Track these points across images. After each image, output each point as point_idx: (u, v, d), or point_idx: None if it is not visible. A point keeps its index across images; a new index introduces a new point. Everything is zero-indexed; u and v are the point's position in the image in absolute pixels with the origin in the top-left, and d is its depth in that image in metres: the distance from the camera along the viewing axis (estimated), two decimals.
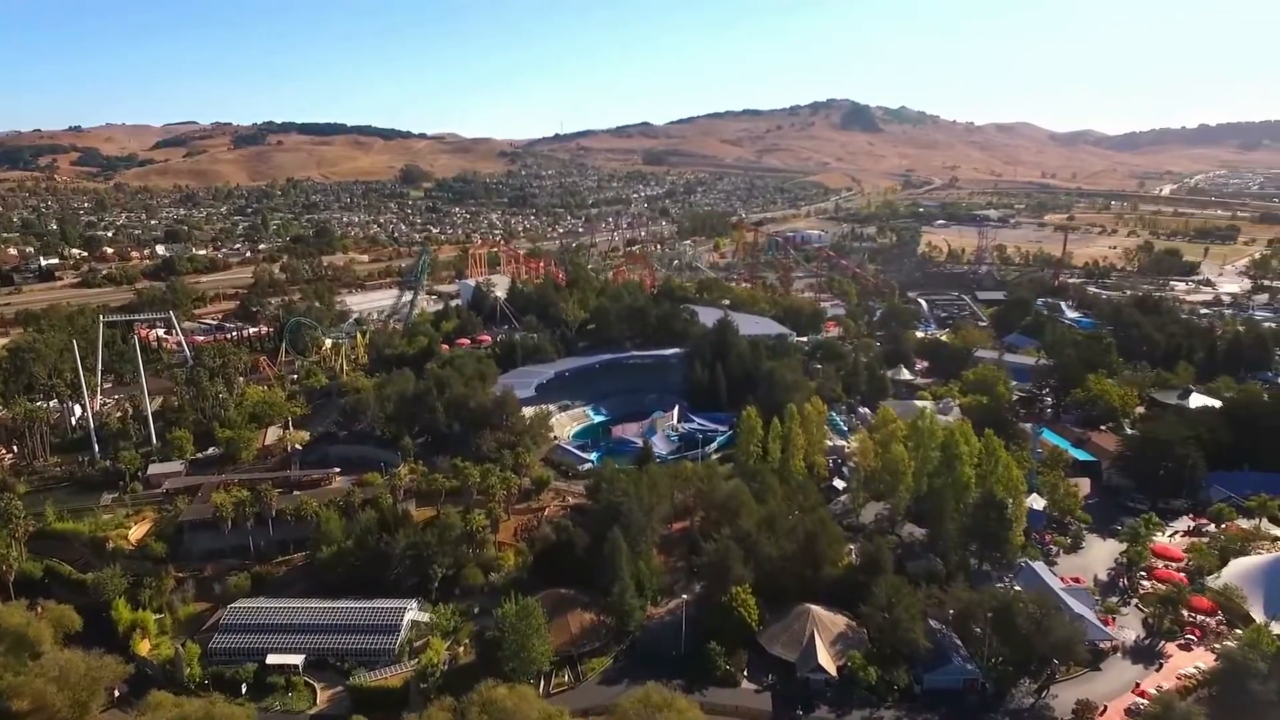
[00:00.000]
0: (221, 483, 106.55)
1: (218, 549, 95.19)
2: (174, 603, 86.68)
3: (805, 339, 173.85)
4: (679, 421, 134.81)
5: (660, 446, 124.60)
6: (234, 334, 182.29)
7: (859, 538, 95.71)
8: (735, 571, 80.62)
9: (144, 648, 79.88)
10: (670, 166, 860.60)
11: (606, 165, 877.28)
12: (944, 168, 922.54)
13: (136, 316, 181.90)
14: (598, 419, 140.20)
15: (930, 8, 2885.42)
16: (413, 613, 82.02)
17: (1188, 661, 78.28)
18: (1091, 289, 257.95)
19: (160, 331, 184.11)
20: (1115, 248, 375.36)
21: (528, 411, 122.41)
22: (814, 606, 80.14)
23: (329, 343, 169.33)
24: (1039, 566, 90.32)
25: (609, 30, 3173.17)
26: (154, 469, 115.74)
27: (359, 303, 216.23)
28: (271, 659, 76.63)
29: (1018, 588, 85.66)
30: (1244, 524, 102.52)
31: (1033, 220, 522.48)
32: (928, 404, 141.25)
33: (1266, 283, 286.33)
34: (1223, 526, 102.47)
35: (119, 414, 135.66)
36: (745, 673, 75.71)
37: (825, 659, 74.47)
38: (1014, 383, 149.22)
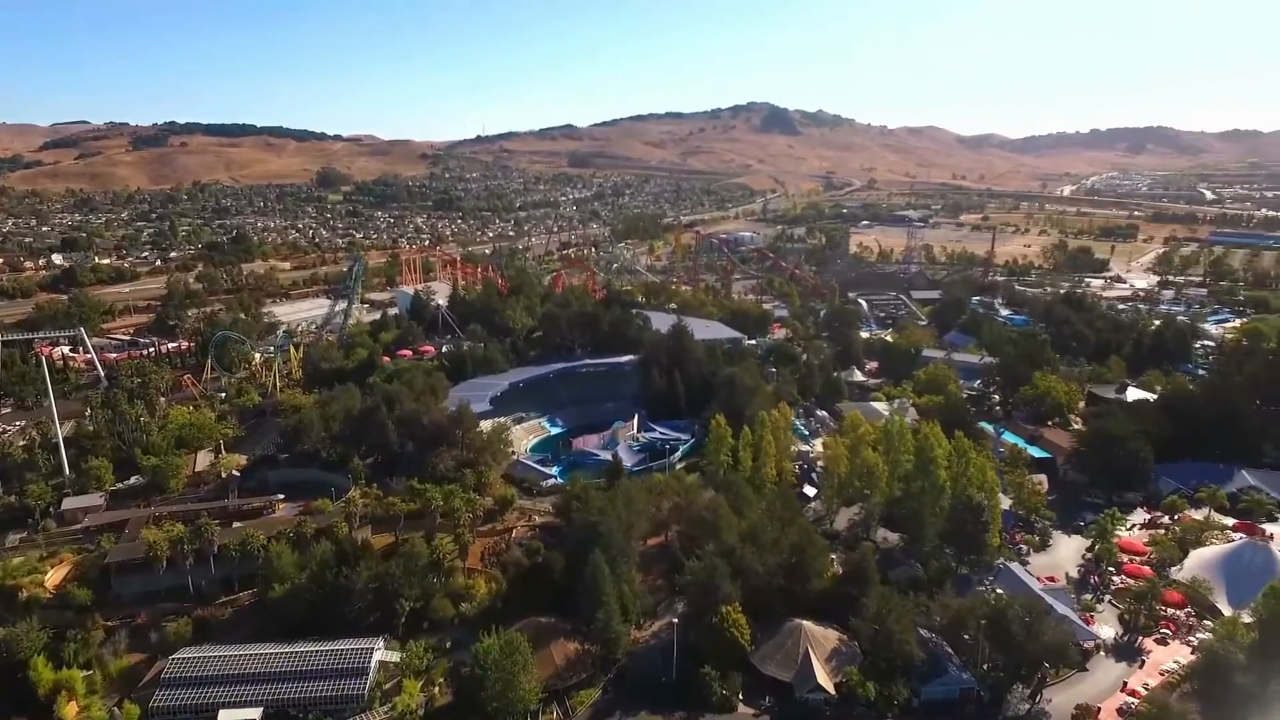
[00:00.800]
0: (151, 516, 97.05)
1: (151, 592, 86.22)
2: (104, 656, 77.76)
3: (754, 342, 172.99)
4: (639, 431, 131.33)
5: (624, 458, 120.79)
6: (151, 350, 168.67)
7: (837, 546, 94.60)
8: (723, 590, 77.61)
9: (71, 711, 71.02)
10: (596, 169, 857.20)
11: (531, 168, 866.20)
12: (862, 170, 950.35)
13: (38, 334, 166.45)
14: (555, 431, 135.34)
15: (843, 19, 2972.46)
16: (380, 652, 75.78)
17: (1166, 656, 79.59)
18: (1018, 286, 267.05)
19: (66, 349, 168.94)
20: (1030, 246, 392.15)
21: (484, 425, 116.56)
22: (805, 622, 77.96)
23: (259, 357, 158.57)
24: (1016, 567, 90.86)
25: (528, 32, 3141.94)
26: (69, 503, 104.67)
27: (287, 313, 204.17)
28: (224, 716, 69.36)
29: (999, 590, 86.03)
30: (1195, 515, 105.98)
31: (950, 220, 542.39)
32: (881, 404, 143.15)
33: (1171, 278, 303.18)
34: (1176, 518, 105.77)
35: (23, 443, 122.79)
36: (740, 696, 72.84)
37: (823, 677, 72.27)
38: (961, 381, 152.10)
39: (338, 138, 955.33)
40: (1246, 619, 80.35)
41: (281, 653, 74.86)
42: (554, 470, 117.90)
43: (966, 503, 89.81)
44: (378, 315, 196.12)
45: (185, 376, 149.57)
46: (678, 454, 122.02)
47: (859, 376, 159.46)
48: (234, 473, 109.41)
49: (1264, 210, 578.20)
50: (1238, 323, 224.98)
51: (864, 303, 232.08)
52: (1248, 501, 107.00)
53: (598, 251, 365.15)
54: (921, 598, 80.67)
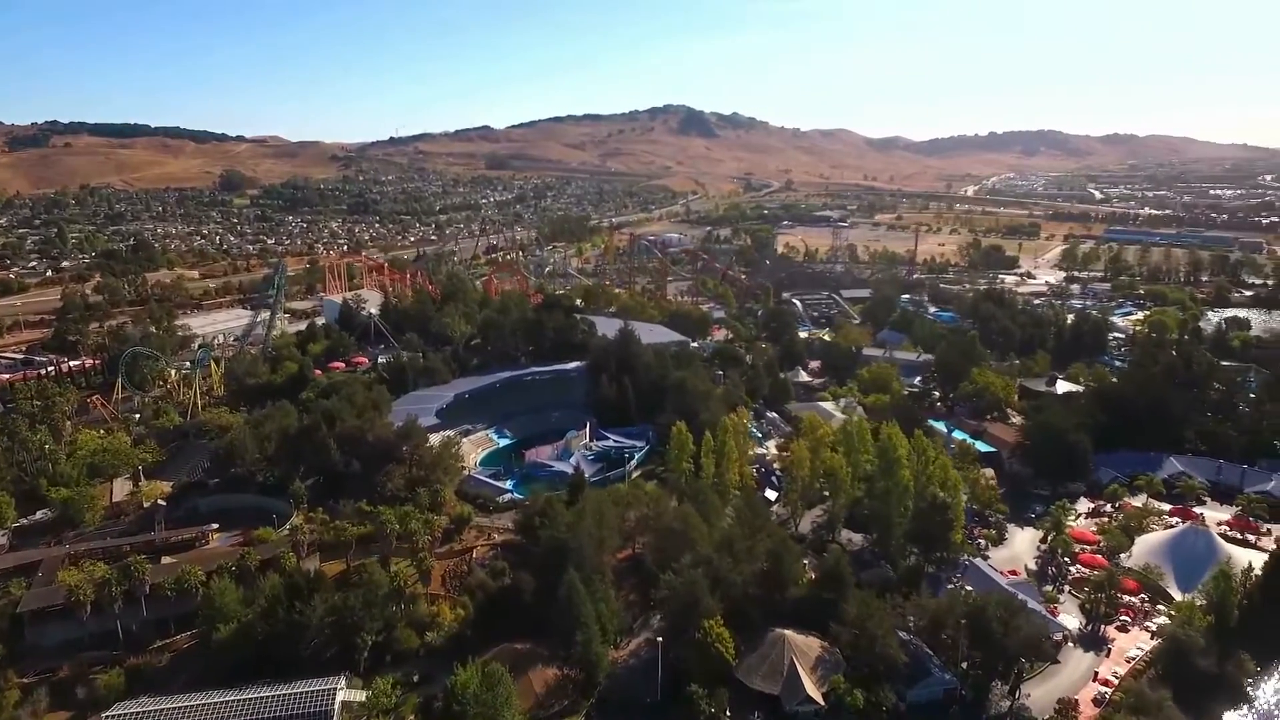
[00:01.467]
0: (67, 556, 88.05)
1: (74, 640, 77.99)
2: (21, 719, 69.62)
3: (698, 344, 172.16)
4: (591, 439, 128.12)
5: (584, 468, 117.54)
6: (51, 369, 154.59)
7: (805, 550, 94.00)
8: (704, 603, 75.46)
9: None
10: (515, 171, 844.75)
11: (449, 170, 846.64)
12: (778, 171, 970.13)
13: None
14: (503, 443, 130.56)
15: (756, 26, 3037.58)
16: (344, 692, 70.27)
17: (1128, 643, 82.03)
18: (941, 284, 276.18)
19: None
20: (944, 245, 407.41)
21: (432, 440, 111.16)
22: (787, 631, 76.61)
23: (175, 374, 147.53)
24: (980, 563, 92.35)
25: (440, 32, 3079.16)
26: None
27: (202, 325, 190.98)
28: None
29: (969, 587, 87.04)
30: (1134, 502, 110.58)
31: (866, 220, 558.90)
32: (829, 404, 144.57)
33: (1076, 274, 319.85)
34: (1117, 506, 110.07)
35: None
36: (728, 712, 70.91)
37: (811, 688, 71.09)
38: (902, 379, 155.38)
39: (240, 139, 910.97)
40: (1199, 602, 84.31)
41: (233, 700, 68.41)
42: (508, 484, 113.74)
43: (931, 501, 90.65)
44: (302, 325, 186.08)
45: (93, 397, 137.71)
46: (634, 462, 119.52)
47: (804, 377, 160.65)
48: (159, 502, 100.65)
49: (1146, 209, 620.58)
50: (1140, 315, 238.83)
51: (798, 303, 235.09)
52: (1181, 487, 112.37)
53: (525, 255, 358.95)
54: (897, 599, 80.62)
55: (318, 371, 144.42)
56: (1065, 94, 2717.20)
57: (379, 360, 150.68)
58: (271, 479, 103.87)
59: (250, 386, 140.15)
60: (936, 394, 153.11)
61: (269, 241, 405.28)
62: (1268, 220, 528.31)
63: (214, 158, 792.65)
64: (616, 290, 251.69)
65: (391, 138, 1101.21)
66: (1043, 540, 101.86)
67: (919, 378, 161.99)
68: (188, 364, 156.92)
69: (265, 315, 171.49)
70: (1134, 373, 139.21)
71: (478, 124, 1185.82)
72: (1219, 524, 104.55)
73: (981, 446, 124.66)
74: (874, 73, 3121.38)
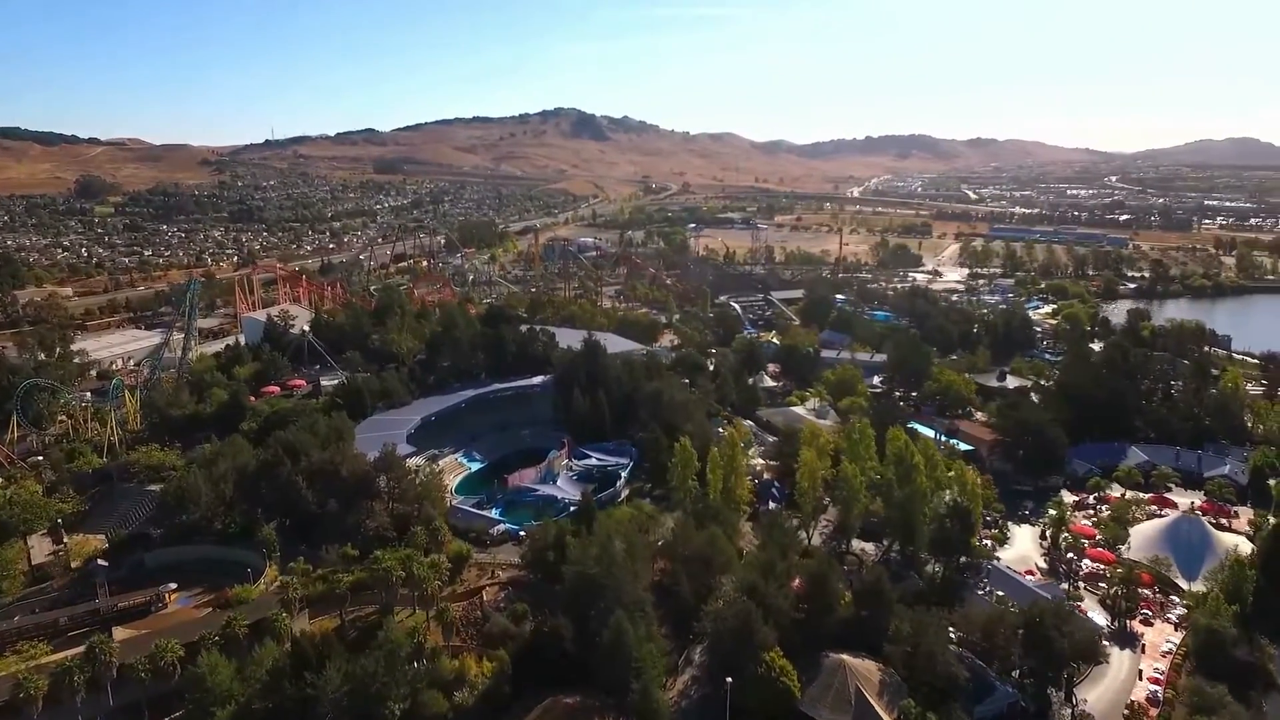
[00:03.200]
0: None
1: None
2: None
3: (655, 351, 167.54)
4: (571, 458, 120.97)
5: (568, 490, 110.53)
6: None
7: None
8: (759, 634, 70.88)
9: None
10: (406, 175, 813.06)
11: (334, 174, 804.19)
12: (673, 174, 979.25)
13: None
14: (475, 467, 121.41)
15: (642, 30, 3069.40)
16: None
17: (1156, 637, 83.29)
18: (869, 285, 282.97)
19: None
20: (848, 245, 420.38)
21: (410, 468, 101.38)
22: (844, 656, 73.11)
23: (79, 407, 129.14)
24: (1002, 566, 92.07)
25: (316, 31, 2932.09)
26: None
27: (96, 350, 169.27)
28: None
29: (1000, 592, 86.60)
30: (1112, 493, 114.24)
31: (767, 221, 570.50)
32: (800, 409, 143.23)
33: (979, 271, 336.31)
34: (1096, 497, 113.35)
35: None
36: None
37: (884, 715, 67.76)
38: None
39: (95, 141, 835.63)
40: (1214, 591, 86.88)
41: None
42: (495, 513, 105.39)
43: (952, 506, 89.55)
44: (216, 346, 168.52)
45: None
46: (622, 480, 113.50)
47: (768, 382, 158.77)
48: (98, 562, 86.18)
49: (1017, 208, 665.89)
50: (1048, 309, 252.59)
51: (737, 305, 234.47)
52: (1156, 476, 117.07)
53: (436, 262, 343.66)
54: (942, 611, 78.61)
55: (252, 398, 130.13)
56: (933, 100, 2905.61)
57: (321, 383, 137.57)
58: (233, 526, 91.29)
59: (175, 419, 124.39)
60: (899, 394, 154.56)
61: (145, 253, 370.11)
62: (1123, 218, 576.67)
63: (65, 161, 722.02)
64: (572, 299, 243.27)
65: (268, 140, 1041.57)
66: (1042, 537, 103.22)
67: (876, 378, 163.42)
68: (88, 395, 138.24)
69: (175, 336, 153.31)
70: (1087, 366, 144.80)
71: (361, 126, 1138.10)
72: (1189, 508, 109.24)
73: (960, 446, 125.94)
74: (756, 78, 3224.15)
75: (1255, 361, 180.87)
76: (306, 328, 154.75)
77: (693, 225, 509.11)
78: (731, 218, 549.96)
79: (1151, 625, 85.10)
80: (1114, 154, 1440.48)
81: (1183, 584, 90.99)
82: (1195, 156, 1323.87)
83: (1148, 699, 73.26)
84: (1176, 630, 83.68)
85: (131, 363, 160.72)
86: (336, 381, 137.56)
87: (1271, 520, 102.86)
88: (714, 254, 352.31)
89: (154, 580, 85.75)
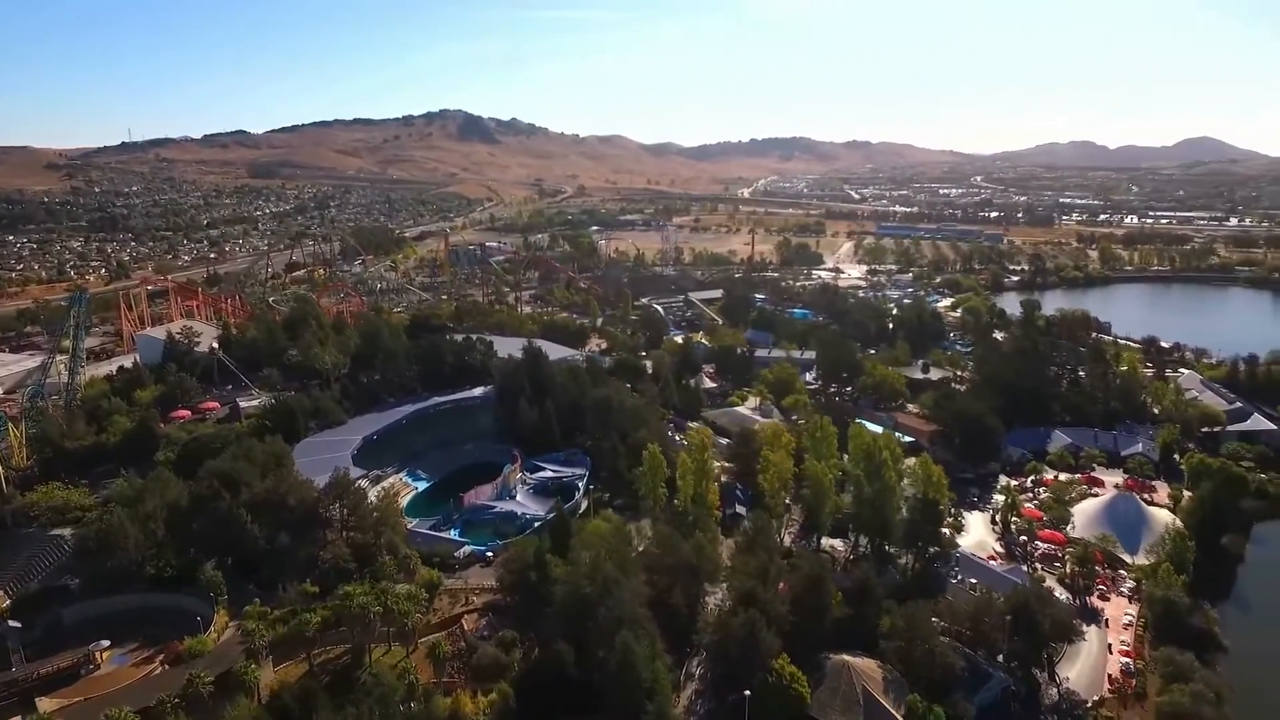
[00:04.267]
0: None
1: None
2: None
3: (584, 356, 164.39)
4: (525, 471, 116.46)
5: (528, 505, 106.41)
6: None
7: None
8: (766, 643, 69.79)
9: None
10: (285, 180, 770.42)
11: (204, 179, 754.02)
12: (566, 176, 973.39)
13: None
14: (421, 486, 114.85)
15: (522, 32, 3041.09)
16: None
17: (1114, 611, 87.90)
18: (782, 283, 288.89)
19: None
20: (747, 245, 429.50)
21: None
22: (845, 657, 73.10)
23: None
24: (969, 554, 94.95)
25: (178, 25, 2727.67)
26: None
27: None
28: None
29: (973, 580, 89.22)
30: (1046, 476, 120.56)
31: (665, 223, 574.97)
32: (743, 409, 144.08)
33: (877, 267, 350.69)
34: (1036, 480, 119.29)
35: None
36: None
37: (894, 713, 68.02)
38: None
39: None
40: (1143, 561, 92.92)
41: None
42: (453, 533, 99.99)
43: (923, 499, 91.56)
44: (109, 368, 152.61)
45: None
46: (580, 492, 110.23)
47: (708, 383, 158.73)
48: (7, 623, 75.23)
49: (897, 207, 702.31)
50: (947, 302, 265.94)
51: (659, 307, 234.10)
52: (1084, 457, 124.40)
53: (333, 270, 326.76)
54: (928, 604, 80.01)
55: (162, 424, 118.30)
56: (813, 105, 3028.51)
57: (240, 404, 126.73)
58: (169, 569, 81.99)
59: (71, 452, 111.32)
60: (833, 390, 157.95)
61: None
62: (993, 215, 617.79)
63: None
64: (491, 306, 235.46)
65: (124, 143, 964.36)
66: (993, 522, 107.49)
67: (808, 374, 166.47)
68: None
69: (58, 359, 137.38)
70: (1009, 356, 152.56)
71: (230, 128, 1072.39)
72: (1115, 486, 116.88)
73: (904, 438, 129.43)
74: (643, 79, 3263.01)
75: (1137, 345, 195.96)
76: (216, 345, 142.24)
77: (595, 228, 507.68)
78: (632, 220, 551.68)
79: (1108, 600, 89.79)
80: (975, 155, 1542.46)
81: (1126, 558, 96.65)
82: (1043, 158, 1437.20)
83: (1121, 671, 77.00)
84: (1130, 603, 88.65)
85: (17, 392, 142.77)
86: (257, 402, 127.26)
87: (1187, 494, 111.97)
88: (624, 256, 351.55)
89: (77, 639, 75.95)
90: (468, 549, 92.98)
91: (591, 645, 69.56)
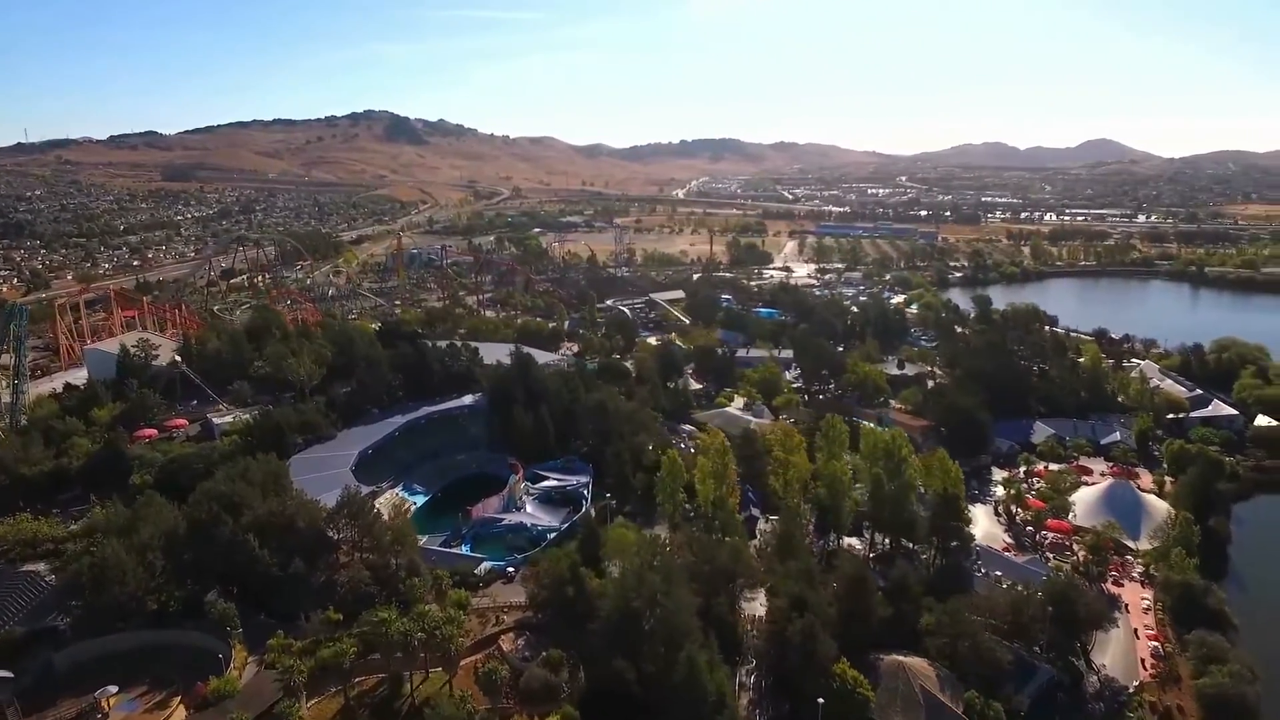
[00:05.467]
0: None
1: None
2: None
3: (570, 361, 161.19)
4: (529, 482, 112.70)
5: (539, 516, 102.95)
6: None
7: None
8: (824, 648, 68.80)
9: None
10: (203, 183, 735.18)
11: (112, 182, 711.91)
12: (500, 178, 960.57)
13: None
14: (419, 500, 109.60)
15: (442, 32, 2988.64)
16: None
17: (1131, 596, 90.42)
18: (741, 282, 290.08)
19: None
20: (699, 244, 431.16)
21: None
22: (899, 657, 72.77)
23: None
24: (987, 548, 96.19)
25: (74, 17, 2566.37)
26: None
27: None
28: None
29: (998, 573, 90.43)
30: (1039, 466, 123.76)
31: (607, 224, 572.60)
32: (733, 409, 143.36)
33: (826, 266, 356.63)
34: (1029, 471, 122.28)
35: None
36: None
37: (957, 712, 67.88)
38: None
39: None
40: (1146, 546, 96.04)
41: None
42: (464, 549, 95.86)
43: (943, 495, 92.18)
44: (50, 386, 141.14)
45: None
46: (588, 500, 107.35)
47: (694, 385, 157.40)
48: (2, 674, 67.77)
49: (830, 206, 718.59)
50: (900, 299, 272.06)
51: (625, 309, 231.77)
52: (1071, 447, 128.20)
53: (272, 277, 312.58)
54: (967, 598, 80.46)
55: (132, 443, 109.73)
56: (740, 106, 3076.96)
57: (213, 421, 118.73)
58: (172, 603, 75.49)
59: (30, 478, 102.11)
60: (816, 388, 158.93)
61: None
62: (923, 213, 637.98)
63: None
64: (465, 311, 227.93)
65: (20, 144, 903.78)
66: (996, 514, 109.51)
67: (787, 373, 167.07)
68: None
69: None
70: (991, 350, 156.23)
71: (139, 129, 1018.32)
72: (1100, 474, 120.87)
73: None
74: (572, 80, 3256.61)
75: (1089, 338, 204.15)
76: (178, 357, 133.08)
77: (537, 230, 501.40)
78: (575, 221, 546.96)
79: (1122, 586, 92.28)
80: (897, 156, 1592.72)
81: (1130, 544, 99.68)
82: (959, 158, 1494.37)
83: (1152, 655, 79.06)
84: (1144, 588, 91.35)
85: None
86: (230, 418, 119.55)
87: (1169, 480, 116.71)
88: (577, 258, 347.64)
89: (74, 686, 69.04)
90: (487, 565, 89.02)
91: (642, 660, 67.41)
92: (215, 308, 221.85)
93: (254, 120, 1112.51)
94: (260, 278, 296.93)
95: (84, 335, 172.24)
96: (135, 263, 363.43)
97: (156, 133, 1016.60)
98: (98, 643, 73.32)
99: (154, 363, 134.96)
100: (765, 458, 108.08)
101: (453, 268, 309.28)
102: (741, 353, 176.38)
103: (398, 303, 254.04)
